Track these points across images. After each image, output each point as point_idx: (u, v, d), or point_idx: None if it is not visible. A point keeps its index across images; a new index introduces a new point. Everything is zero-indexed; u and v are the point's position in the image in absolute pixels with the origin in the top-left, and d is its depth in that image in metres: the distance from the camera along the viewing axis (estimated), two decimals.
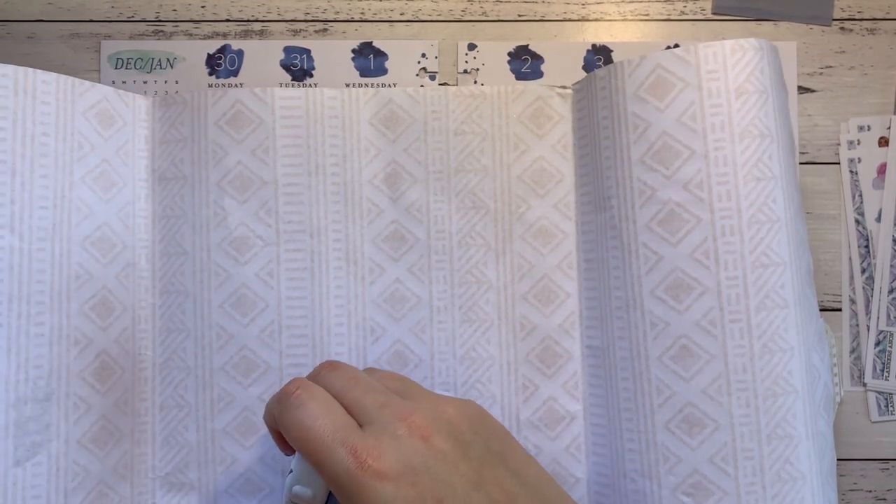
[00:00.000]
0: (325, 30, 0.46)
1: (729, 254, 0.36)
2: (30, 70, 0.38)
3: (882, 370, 0.44)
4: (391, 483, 0.29)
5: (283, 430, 0.32)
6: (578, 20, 0.46)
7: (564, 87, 0.42)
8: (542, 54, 0.46)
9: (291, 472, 0.33)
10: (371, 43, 0.46)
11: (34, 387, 0.37)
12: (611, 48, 0.46)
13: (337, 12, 0.46)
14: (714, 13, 0.46)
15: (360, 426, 0.31)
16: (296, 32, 0.46)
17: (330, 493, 0.32)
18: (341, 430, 0.30)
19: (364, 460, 0.29)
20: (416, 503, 0.29)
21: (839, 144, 0.45)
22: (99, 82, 0.44)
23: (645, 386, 0.37)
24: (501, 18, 0.46)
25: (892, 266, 0.44)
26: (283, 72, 0.46)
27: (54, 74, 0.39)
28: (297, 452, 0.33)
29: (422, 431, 0.31)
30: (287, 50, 0.46)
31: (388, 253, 0.42)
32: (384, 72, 0.46)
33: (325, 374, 0.34)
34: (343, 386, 0.33)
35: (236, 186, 0.41)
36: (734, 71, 0.37)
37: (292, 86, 0.45)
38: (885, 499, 0.44)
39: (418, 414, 0.31)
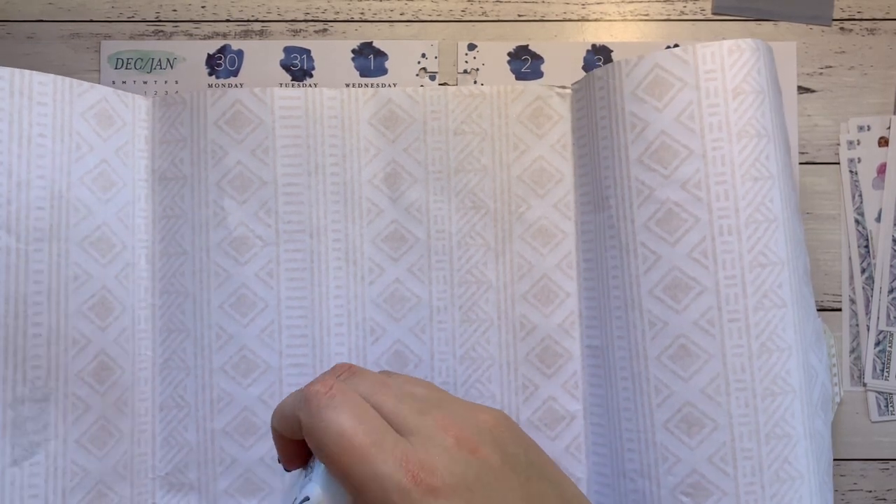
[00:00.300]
0: (325, 30, 0.46)
1: (727, 253, 0.36)
2: (26, 72, 0.39)
3: (882, 370, 0.44)
4: (445, 501, 0.26)
5: (312, 437, 0.28)
6: (578, 20, 0.46)
7: (564, 87, 0.42)
8: (542, 54, 0.46)
9: (307, 499, 0.29)
10: (371, 43, 0.46)
11: (32, 387, 0.37)
12: (611, 48, 0.46)
13: (337, 12, 0.46)
14: (714, 13, 0.46)
15: (401, 435, 0.28)
16: (296, 32, 0.46)
17: None
18: (389, 439, 0.27)
19: (417, 474, 0.26)
20: None
21: (839, 144, 0.45)
22: (99, 82, 0.45)
23: (644, 385, 0.37)
24: (501, 18, 0.46)
25: (892, 266, 0.44)
26: (283, 72, 0.46)
27: (51, 76, 0.39)
28: (311, 472, 0.30)
29: (470, 443, 0.28)
30: (287, 50, 0.46)
31: (388, 253, 0.42)
32: (384, 72, 0.46)
33: (346, 379, 0.30)
34: (371, 390, 0.30)
35: (236, 186, 0.41)
36: (732, 71, 0.37)
37: (292, 86, 0.45)
38: (885, 499, 0.44)
39: (460, 424, 0.29)
